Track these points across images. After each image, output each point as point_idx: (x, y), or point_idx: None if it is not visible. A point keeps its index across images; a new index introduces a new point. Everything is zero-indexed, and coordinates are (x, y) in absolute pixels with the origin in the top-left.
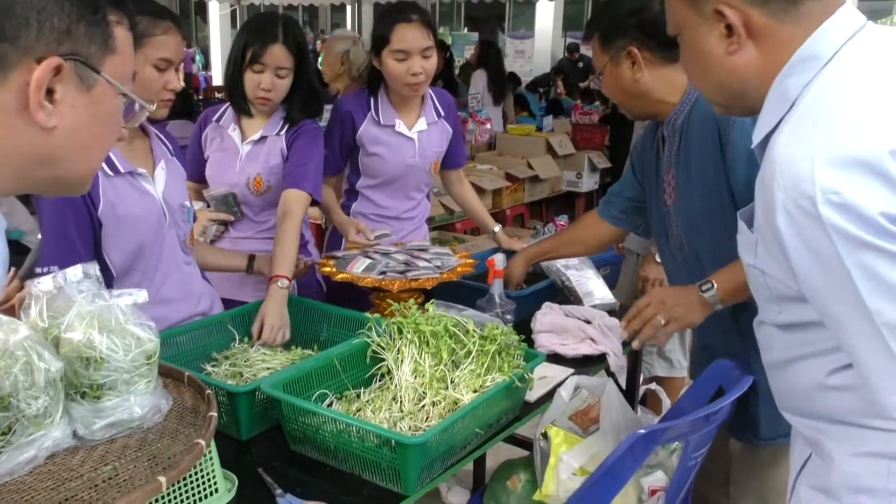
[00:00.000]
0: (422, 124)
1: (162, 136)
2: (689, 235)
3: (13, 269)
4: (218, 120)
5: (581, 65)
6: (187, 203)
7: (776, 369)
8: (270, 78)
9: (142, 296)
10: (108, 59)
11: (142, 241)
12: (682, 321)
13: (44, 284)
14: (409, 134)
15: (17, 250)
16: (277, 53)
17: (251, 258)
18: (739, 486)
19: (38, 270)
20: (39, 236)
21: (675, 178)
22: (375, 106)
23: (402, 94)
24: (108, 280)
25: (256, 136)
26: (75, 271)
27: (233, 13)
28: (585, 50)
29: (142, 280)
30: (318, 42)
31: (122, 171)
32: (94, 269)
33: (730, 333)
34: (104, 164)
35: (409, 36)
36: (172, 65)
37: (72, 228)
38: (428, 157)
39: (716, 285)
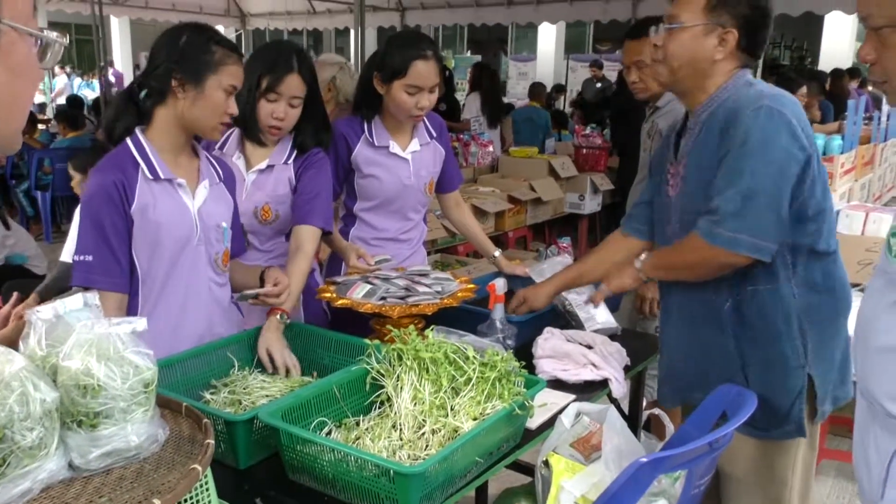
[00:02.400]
0: (415, 145)
1: (215, 162)
2: (683, 223)
3: (16, 293)
4: (221, 147)
5: (599, 86)
6: (224, 224)
7: None
8: (284, 107)
9: (141, 324)
10: (4, 1)
11: (168, 248)
12: (612, 283)
13: (43, 313)
14: (403, 155)
15: (22, 275)
16: (293, 83)
17: (262, 273)
18: (737, 484)
19: (76, 258)
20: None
21: (685, 168)
22: (369, 129)
23: (401, 121)
24: (136, 281)
25: (263, 165)
26: (75, 300)
27: (238, 37)
28: (609, 71)
29: (163, 288)
30: None
31: (161, 177)
32: (93, 298)
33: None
34: (144, 168)
35: (424, 73)
36: (235, 91)
37: (104, 217)
38: (422, 177)
39: (645, 256)
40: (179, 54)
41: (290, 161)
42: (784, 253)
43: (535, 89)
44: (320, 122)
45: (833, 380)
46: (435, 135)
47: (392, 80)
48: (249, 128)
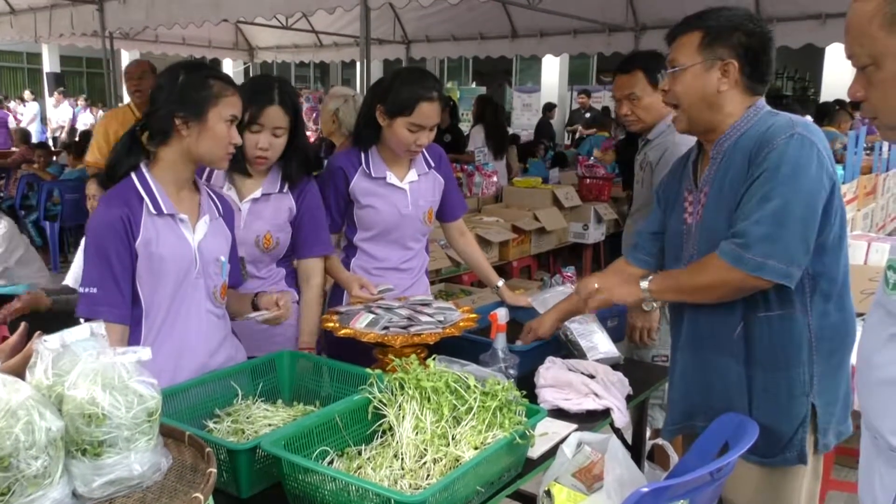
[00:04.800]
0: (412, 175)
1: (215, 197)
2: (702, 251)
3: (24, 324)
4: (207, 179)
5: (588, 115)
6: (223, 258)
7: None
8: (268, 138)
9: (145, 353)
10: None
11: (170, 281)
12: (609, 292)
13: (50, 342)
14: (400, 185)
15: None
16: (274, 114)
17: (254, 299)
18: None
19: (81, 290)
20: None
21: (706, 196)
22: (366, 160)
23: (398, 155)
24: (138, 312)
25: (258, 194)
26: (81, 330)
27: (246, 70)
28: (594, 102)
29: (164, 320)
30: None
31: (164, 212)
32: (99, 328)
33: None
34: (149, 203)
35: (428, 113)
36: (237, 121)
37: (111, 250)
38: (421, 206)
39: (653, 277)
40: (179, 94)
41: (286, 190)
42: (804, 281)
43: (601, 120)
44: (306, 152)
45: (836, 413)
46: (433, 164)
47: (396, 117)
48: (236, 159)
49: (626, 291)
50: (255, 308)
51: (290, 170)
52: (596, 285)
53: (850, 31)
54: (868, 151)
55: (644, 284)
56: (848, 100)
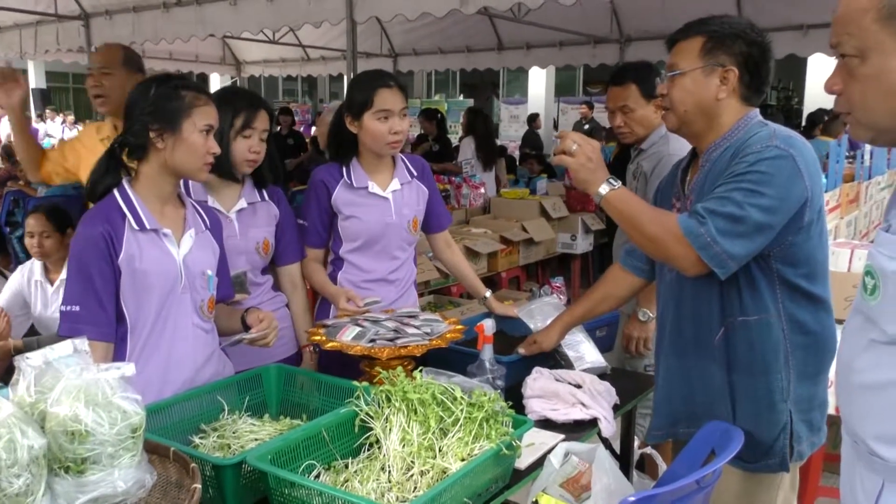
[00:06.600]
0: (395, 184)
1: (201, 210)
2: None
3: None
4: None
5: (587, 127)
6: (209, 272)
7: (881, 391)
8: (258, 140)
9: (129, 369)
10: None
11: (155, 296)
12: (583, 168)
13: (32, 359)
14: (383, 194)
15: None
16: (264, 118)
17: (243, 315)
18: None
19: (63, 309)
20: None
21: (691, 204)
22: (347, 172)
23: (381, 153)
24: (123, 329)
25: (244, 204)
26: (64, 346)
27: (234, 84)
28: (598, 113)
29: (150, 335)
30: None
31: (147, 227)
32: (83, 344)
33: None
34: (131, 219)
35: (390, 98)
36: (213, 130)
37: (93, 268)
38: (405, 215)
39: (620, 190)
40: (152, 106)
41: (266, 198)
42: (775, 287)
43: (599, 132)
44: (274, 157)
45: (809, 421)
46: (416, 174)
47: (362, 114)
48: (222, 168)
49: (590, 183)
50: (244, 323)
51: (263, 173)
52: (574, 146)
53: (841, 20)
54: (850, 160)
55: (605, 189)
56: (828, 108)
